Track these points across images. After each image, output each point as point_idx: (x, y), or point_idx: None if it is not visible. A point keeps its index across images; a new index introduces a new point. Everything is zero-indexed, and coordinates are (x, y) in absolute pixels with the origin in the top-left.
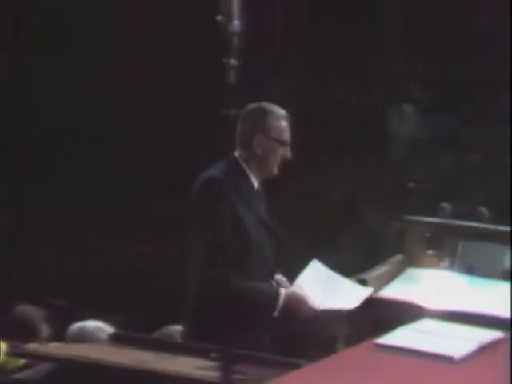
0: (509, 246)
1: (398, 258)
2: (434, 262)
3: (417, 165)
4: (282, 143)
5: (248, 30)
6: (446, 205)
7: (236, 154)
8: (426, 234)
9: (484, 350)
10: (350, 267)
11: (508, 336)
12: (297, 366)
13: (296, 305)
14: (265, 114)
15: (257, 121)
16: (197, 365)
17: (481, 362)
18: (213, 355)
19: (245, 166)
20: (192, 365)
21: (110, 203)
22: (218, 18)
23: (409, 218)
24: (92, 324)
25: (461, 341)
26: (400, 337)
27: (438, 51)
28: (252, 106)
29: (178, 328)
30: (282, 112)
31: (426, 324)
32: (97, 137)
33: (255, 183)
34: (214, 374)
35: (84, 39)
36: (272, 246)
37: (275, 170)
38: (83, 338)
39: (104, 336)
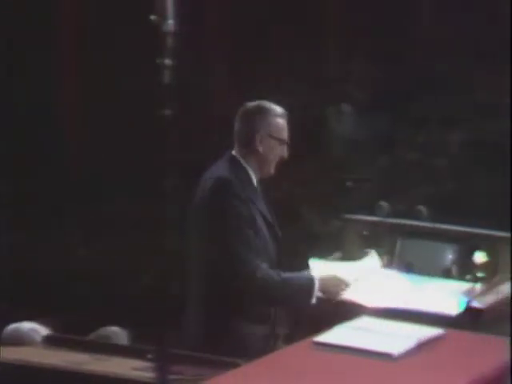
0: (448, 244)
1: (337, 256)
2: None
3: (355, 164)
4: (281, 142)
5: (183, 29)
6: (384, 203)
7: (234, 152)
8: (365, 233)
9: (423, 346)
10: (290, 266)
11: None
12: (234, 365)
13: (334, 286)
14: (266, 112)
15: (258, 119)
16: (133, 366)
17: (419, 358)
18: (149, 356)
19: (246, 165)
20: (128, 366)
21: (47, 203)
22: (152, 17)
23: (347, 216)
24: (27, 325)
25: (399, 338)
26: (338, 335)
27: (377, 51)
28: (251, 104)
29: (114, 329)
30: (281, 110)
31: (364, 321)
32: (36, 136)
33: (255, 183)
34: (150, 375)
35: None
36: (275, 246)
37: (273, 170)
38: (18, 339)
39: (39, 338)
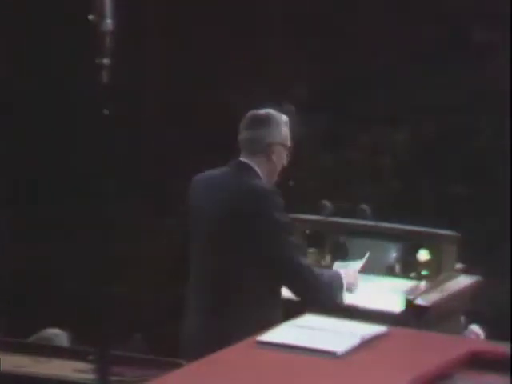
0: (391, 243)
1: None
2: (316, 259)
3: (298, 163)
4: (288, 150)
5: (121, 29)
6: (327, 202)
7: (244, 159)
8: (308, 232)
9: (367, 344)
10: None
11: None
12: (177, 366)
13: (354, 278)
14: (277, 121)
15: (271, 128)
16: (74, 367)
17: (363, 356)
18: (90, 357)
19: (259, 174)
20: (69, 368)
21: None
22: (91, 17)
23: (290, 215)
24: None
25: (343, 336)
26: (282, 333)
27: (320, 50)
28: (260, 112)
29: (55, 331)
30: (286, 118)
31: (307, 319)
32: None
33: None
34: (91, 377)
35: None
36: None
37: (277, 177)
38: None
39: None
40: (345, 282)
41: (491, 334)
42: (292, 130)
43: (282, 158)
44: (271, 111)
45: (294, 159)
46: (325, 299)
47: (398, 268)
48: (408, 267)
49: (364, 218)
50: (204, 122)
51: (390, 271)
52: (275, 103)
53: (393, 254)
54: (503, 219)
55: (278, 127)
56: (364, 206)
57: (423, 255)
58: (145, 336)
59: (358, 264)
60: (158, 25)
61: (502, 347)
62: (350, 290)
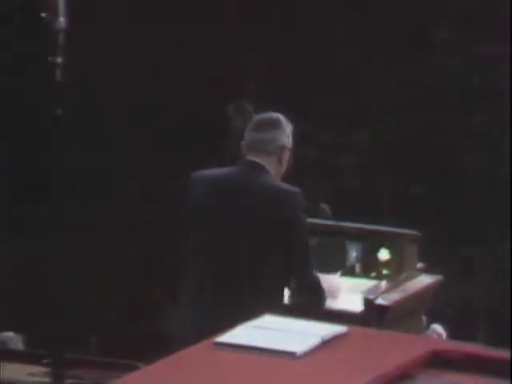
0: (352, 242)
1: None
2: None
3: None
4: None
5: (74, 27)
6: (325, 206)
7: (255, 159)
8: None
9: (327, 344)
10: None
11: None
12: (133, 368)
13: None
14: (286, 124)
15: (286, 135)
16: (29, 371)
17: (323, 356)
18: (45, 361)
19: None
20: (24, 371)
21: None
22: (43, 14)
23: None
24: None
25: (303, 336)
26: (240, 334)
27: (280, 49)
28: (270, 115)
29: (9, 334)
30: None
31: (266, 320)
32: None
33: None
34: (46, 380)
35: None
36: None
37: None
38: None
39: None
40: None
41: (454, 333)
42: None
43: (287, 161)
44: (279, 115)
45: None
46: (323, 303)
47: (358, 268)
48: (369, 267)
49: (324, 218)
50: (161, 121)
51: (350, 271)
52: (234, 102)
53: (353, 254)
54: (464, 218)
55: (287, 131)
56: (324, 206)
57: (384, 255)
58: (102, 338)
59: (337, 274)
60: (111, 23)
61: (463, 346)
62: (332, 297)
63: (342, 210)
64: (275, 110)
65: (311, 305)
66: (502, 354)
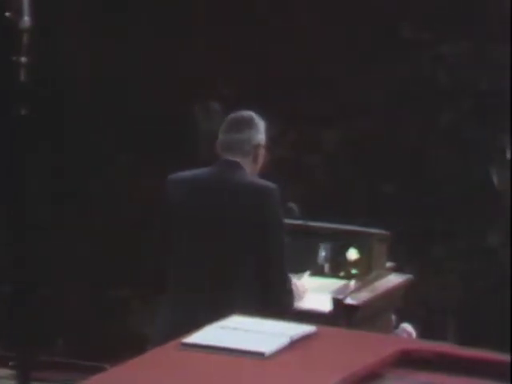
0: (320, 242)
1: None
2: None
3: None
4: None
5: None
6: (293, 205)
7: (232, 159)
8: None
9: (295, 344)
10: None
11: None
12: (101, 369)
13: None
14: (261, 123)
15: (260, 134)
16: None
17: (292, 356)
18: (11, 363)
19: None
20: None
21: None
22: (7, 14)
23: None
24: None
25: (272, 336)
26: (208, 335)
27: (249, 48)
28: (244, 114)
29: None
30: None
31: (234, 320)
32: None
33: None
34: (13, 383)
35: None
36: None
37: None
38: None
39: None
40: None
41: (423, 333)
42: (218, 129)
43: (262, 160)
44: (252, 114)
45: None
46: (292, 305)
47: (327, 267)
48: (338, 266)
49: (292, 217)
50: (127, 121)
51: (319, 271)
52: (202, 102)
53: (322, 254)
54: (433, 218)
55: (260, 129)
56: (292, 205)
57: (353, 254)
58: (68, 340)
59: (304, 277)
60: (77, 22)
61: (433, 345)
62: (297, 300)
63: (311, 209)
64: (244, 110)
65: (281, 305)
66: (472, 352)
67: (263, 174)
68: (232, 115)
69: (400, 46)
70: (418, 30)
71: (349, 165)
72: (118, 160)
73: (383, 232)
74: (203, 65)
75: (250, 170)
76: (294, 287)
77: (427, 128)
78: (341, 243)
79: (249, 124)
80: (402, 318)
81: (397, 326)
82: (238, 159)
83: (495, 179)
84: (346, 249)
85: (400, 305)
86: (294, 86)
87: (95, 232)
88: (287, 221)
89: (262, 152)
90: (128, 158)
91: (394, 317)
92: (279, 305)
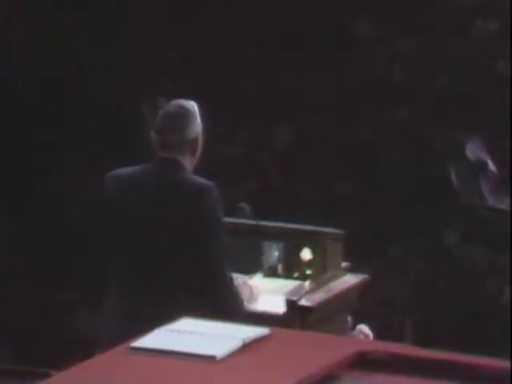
0: (273, 242)
1: None
2: None
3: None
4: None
5: None
6: (244, 205)
7: (169, 155)
8: None
9: (248, 347)
10: None
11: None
12: (45, 376)
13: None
14: (196, 113)
15: (196, 124)
16: None
17: (244, 359)
18: None
19: (187, 168)
20: None
21: None
22: None
23: None
24: None
25: (223, 339)
26: (157, 338)
27: (197, 44)
28: (177, 108)
29: None
30: (194, 104)
31: (184, 323)
32: None
33: None
34: None
35: None
36: None
37: None
38: None
39: None
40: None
41: (381, 334)
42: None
43: (200, 147)
44: (184, 103)
45: None
46: (238, 308)
47: (280, 268)
48: (291, 267)
49: (243, 217)
50: (75, 118)
51: (272, 271)
52: (148, 97)
53: (275, 254)
54: (389, 216)
55: (196, 119)
56: (243, 205)
57: (306, 254)
58: (13, 346)
59: (257, 278)
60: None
61: (390, 347)
62: (250, 302)
63: (263, 208)
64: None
65: (225, 310)
66: (429, 353)
67: (213, 174)
68: (163, 110)
69: (353, 42)
70: (372, 25)
71: (302, 163)
72: (65, 160)
73: (338, 231)
74: (149, 59)
75: (190, 163)
76: (246, 288)
77: (381, 126)
78: (294, 243)
79: (185, 118)
80: (359, 320)
81: (353, 328)
82: (173, 155)
83: (453, 177)
84: (300, 249)
85: (356, 306)
86: (246, 84)
87: (42, 234)
88: (239, 221)
89: (199, 141)
90: (74, 159)
91: (350, 318)
92: (223, 308)
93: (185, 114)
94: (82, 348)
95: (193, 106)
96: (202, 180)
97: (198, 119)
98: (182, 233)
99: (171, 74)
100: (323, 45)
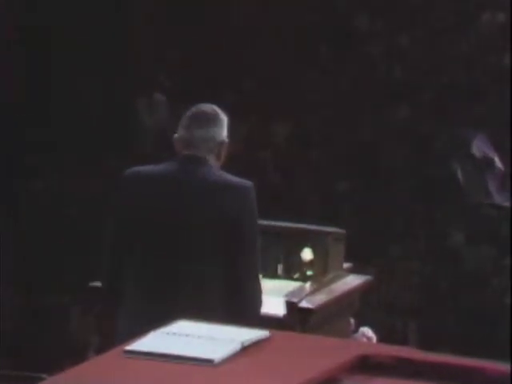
0: (273, 241)
1: None
2: None
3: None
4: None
5: None
6: None
7: (200, 155)
8: None
9: (247, 350)
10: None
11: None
12: (37, 380)
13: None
14: (224, 119)
15: (224, 129)
16: None
17: (243, 363)
18: None
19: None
20: None
21: None
22: None
23: None
24: None
25: (222, 342)
26: (153, 341)
27: (193, 41)
28: (207, 109)
29: None
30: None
31: (181, 326)
32: None
33: None
34: None
35: None
36: None
37: None
38: None
39: None
40: None
41: (385, 336)
42: (163, 121)
43: (224, 155)
44: (215, 107)
45: (168, 153)
46: (260, 311)
47: (280, 269)
48: (291, 267)
49: None
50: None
51: (272, 272)
52: (147, 93)
53: (275, 254)
54: (392, 216)
55: (224, 125)
56: None
57: (307, 254)
58: (5, 349)
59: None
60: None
61: (394, 350)
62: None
63: (262, 207)
64: (189, 102)
65: (251, 313)
66: (433, 357)
67: None
68: (194, 109)
69: (354, 39)
70: (371, 22)
71: (302, 160)
72: (57, 159)
73: (340, 231)
74: (146, 57)
75: (215, 167)
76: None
77: (382, 124)
78: (295, 243)
79: (213, 120)
80: (362, 322)
81: (356, 330)
82: (202, 154)
83: (459, 175)
84: (301, 249)
85: (359, 308)
86: (245, 81)
87: (33, 235)
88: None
89: (224, 148)
90: (67, 158)
91: (352, 320)
92: (253, 308)
93: (214, 116)
94: (76, 351)
95: (222, 112)
96: (238, 179)
97: (226, 126)
98: (214, 235)
99: (169, 72)
100: (323, 44)
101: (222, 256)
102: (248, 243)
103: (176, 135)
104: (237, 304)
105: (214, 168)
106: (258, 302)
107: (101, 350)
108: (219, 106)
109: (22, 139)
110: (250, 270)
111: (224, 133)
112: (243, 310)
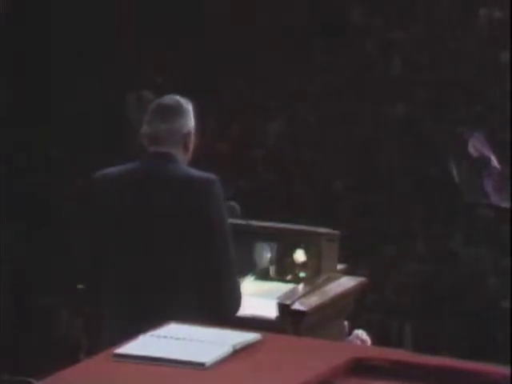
0: (265, 242)
1: None
2: None
3: None
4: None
5: None
6: (234, 204)
7: (164, 150)
8: None
9: (239, 353)
10: None
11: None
12: None
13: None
14: (189, 109)
15: (190, 120)
16: None
17: (235, 366)
18: None
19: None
20: None
21: None
22: None
23: None
24: None
25: (213, 345)
26: (142, 344)
27: (183, 38)
28: (170, 102)
29: None
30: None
31: (171, 329)
32: None
33: None
34: None
35: None
36: None
37: None
38: None
39: None
40: None
41: (379, 339)
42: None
43: (192, 145)
44: (178, 98)
45: None
46: (238, 310)
47: (272, 270)
48: (284, 269)
49: (233, 216)
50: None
51: (264, 274)
52: (134, 92)
53: (267, 255)
54: (388, 216)
55: (189, 114)
56: (233, 203)
57: (300, 256)
58: None
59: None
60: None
61: (388, 352)
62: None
63: (254, 207)
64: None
65: (227, 311)
66: (429, 360)
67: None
68: (156, 102)
69: (347, 33)
70: (365, 16)
71: (295, 160)
72: (48, 157)
73: (333, 231)
74: (135, 53)
75: (183, 160)
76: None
77: (379, 120)
78: (287, 244)
79: (177, 112)
80: (356, 325)
81: (350, 333)
82: (167, 150)
83: (455, 174)
84: (293, 250)
85: (353, 310)
86: (236, 77)
87: (18, 237)
88: (228, 220)
89: (191, 138)
90: (59, 155)
91: (346, 323)
92: (229, 309)
93: (177, 106)
94: (64, 354)
95: (186, 102)
96: (202, 173)
97: (191, 115)
98: (184, 230)
99: (160, 70)
100: (318, 40)
101: (195, 250)
102: (219, 235)
103: (141, 131)
104: (214, 299)
105: (180, 163)
106: (235, 295)
107: (90, 350)
108: (211, 104)
109: (12, 139)
110: (225, 264)
111: (190, 124)
112: (220, 304)
